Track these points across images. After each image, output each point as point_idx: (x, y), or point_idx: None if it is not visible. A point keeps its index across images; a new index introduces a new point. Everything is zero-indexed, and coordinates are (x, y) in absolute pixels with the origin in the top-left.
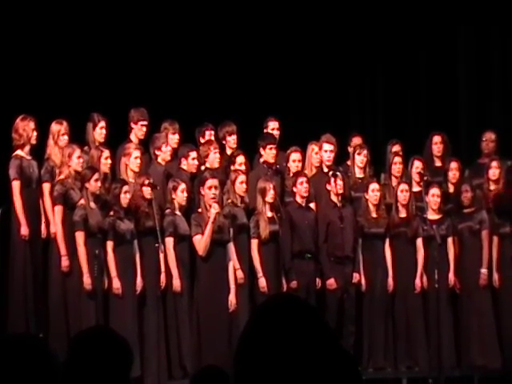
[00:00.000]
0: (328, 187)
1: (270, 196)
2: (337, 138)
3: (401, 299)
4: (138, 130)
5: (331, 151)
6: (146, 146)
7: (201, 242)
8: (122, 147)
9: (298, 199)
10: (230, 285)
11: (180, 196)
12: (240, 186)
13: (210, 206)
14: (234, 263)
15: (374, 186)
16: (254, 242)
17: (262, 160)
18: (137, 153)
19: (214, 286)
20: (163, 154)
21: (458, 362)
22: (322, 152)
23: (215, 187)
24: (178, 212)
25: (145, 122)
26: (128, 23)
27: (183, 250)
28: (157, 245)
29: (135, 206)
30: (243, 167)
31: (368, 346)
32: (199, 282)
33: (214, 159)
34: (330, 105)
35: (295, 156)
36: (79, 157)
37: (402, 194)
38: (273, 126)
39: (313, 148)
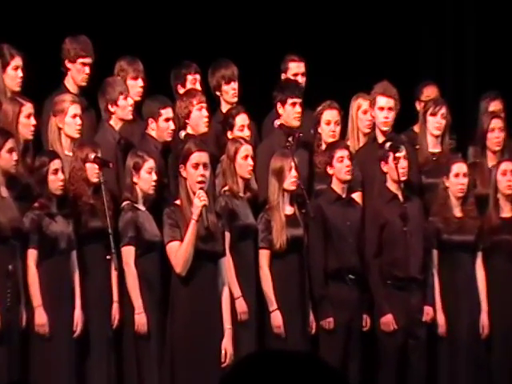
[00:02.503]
0: (384, 167)
1: (291, 181)
2: (398, 90)
3: (502, 347)
4: (76, 73)
5: (390, 109)
6: (93, 98)
7: (179, 254)
8: (52, 100)
9: (336, 186)
10: (224, 323)
11: (146, 179)
12: (243, 164)
13: (194, 195)
14: (230, 288)
15: (458, 166)
16: (264, 255)
17: (277, 123)
18: (75, 109)
19: (198, 322)
20: (119, 112)
21: None
22: (376, 111)
23: (204, 165)
24: (141, 206)
25: (88, 60)
26: None
27: (150, 266)
28: (108, 257)
29: (74, 195)
30: (247, 133)
31: None
32: (175, 315)
33: (200, 120)
34: (387, 39)
35: (331, 116)
36: None
37: (505, 180)
38: (296, 70)
39: (359, 104)
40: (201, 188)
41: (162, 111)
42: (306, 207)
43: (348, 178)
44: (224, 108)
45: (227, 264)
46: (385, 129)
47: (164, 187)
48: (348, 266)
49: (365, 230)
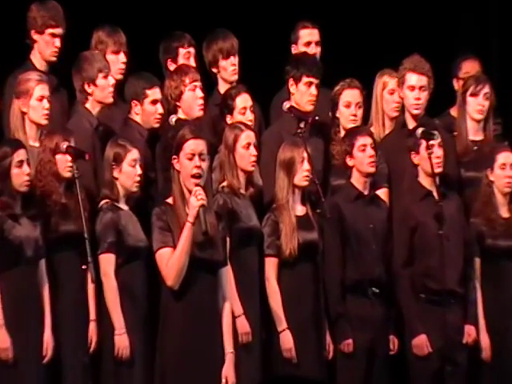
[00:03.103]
0: (415, 159)
1: (303, 175)
2: (432, 65)
3: None
4: (44, 46)
5: (422, 88)
6: (65, 77)
7: (171, 263)
8: (15, 79)
9: (357, 181)
10: (225, 346)
11: (128, 174)
12: (244, 154)
13: (190, 192)
14: (231, 304)
15: (504, 156)
16: (271, 264)
17: (287, 105)
18: (42, 90)
19: (193, 345)
20: (98, 93)
21: None
22: (405, 90)
23: (200, 155)
24: (123, 205)
25: (59, 30)
26: None
27: (135, 278)
28: (84, 267)
29: (42, 193)
30: (250, 117)
31: None
32: (166, 337)
33: (193, 103)
34: (418, 3)
35: (351, 97)
36: None
37: None
38: (308, 38)
39: (385, 83)
40: (197, 184)
41: (148, 92)
42: (321, 206)
43: (371, 170)
44: (222, 88)
45: (229, 276)
46: (416, 112)
47: (151, 183)
48: (371, 277)
49: (392, 233)
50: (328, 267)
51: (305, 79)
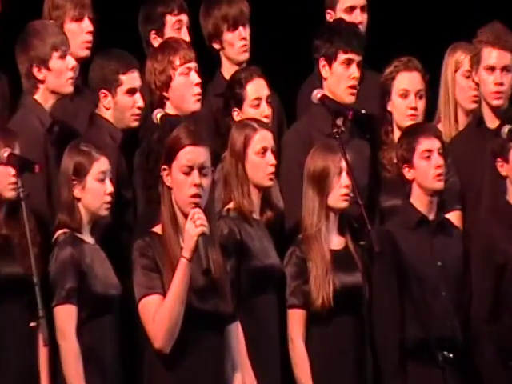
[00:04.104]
0: (501, 168)
1: (341, 193)
2: None
3: None
4: None
5: (506, 70)
6: (6, 58)
7: (159, 318)
8: None
9: (419, 201)
10: None
11: (95, 192)
12: (259, 164)
13: (186, 217)
14: (242, 375)
15: None
16: (297, 318)
17: (318, 95)
18: None
19: None
20: (52, 80)
21: None
22: (481, 72)
23: (200, 169)
24: (88, 236)
25: None
26: None
27: (105, 339)
28: (33, 324)
29: None
30: (266, 112)
31: None
32: None
33: (186, 92)
34: None
35: (409, 82)
36: None
37: None
38: (351, 2)
39: (459, 62)
40: (196, 205)
41: (123, 77)
42: (367, 237)
43: (439, 186)
44: (227, 70)
45: (239, 335)
46: (496, 103)
47: (126, 205)
48: (441, 336)
49: (469, 274)
50: (379, 323)
51: (341, 56)
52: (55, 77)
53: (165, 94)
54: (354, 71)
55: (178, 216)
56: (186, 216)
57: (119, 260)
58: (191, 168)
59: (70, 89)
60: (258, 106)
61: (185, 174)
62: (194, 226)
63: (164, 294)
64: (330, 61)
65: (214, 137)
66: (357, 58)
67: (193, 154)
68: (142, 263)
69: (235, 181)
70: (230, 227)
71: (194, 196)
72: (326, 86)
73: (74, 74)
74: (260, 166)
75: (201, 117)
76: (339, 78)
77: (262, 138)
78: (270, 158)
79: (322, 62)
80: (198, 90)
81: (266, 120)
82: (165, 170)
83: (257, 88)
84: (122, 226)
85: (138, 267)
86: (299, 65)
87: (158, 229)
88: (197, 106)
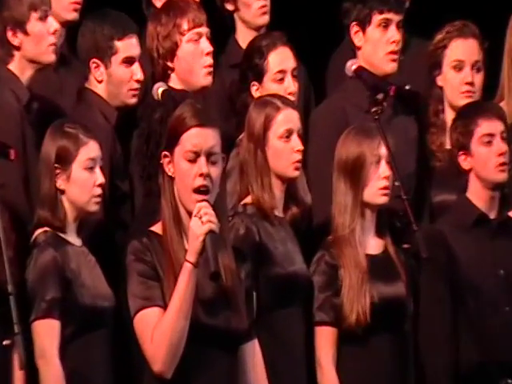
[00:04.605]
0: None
1: (379, 185)
2: None
3: None
4: None
5: None
6: None
7: (159, 335)
8: None
9: (477, 196)
10: None
11: (82, 183)
12: (283, 150)
13: (190, 213)
14: None
15: None
16: (325, 337)
17: (352, 67)
18: None
19: None
20: (31, 47)
21: None
22: None
23: (208, 155)
24: (73, 236)
25: None
26: None
27: (94, 360)
28: (7, 342)
29: None
30: (292, 87)
31: None
32: None
33: (195, 62)
34: None
35: (463, 52)
36: None
37: None
38: None
39: None
40: (203, 198)
41: (119, 44)
42: (412, 239)
43: (502, 177)
44: (243, 37)
45: (257, 355)
46: None
47: (121, 199)
48: (502, 359)
49: None
50: (427, 343)
51: (377, 17)
52: (34, 43)
53: (169, 64)
54: (394, 34)
55: (181, 212)
56: (190, 212)
57: (112, 265)
58: (197, 154)
59: (51, 57)
60: (281, 80)
61: (189, 162)
62: (201, 222)
63: (164, 307)
64: (364, 25)
65: (228, 116)
66: (395, 17)
67: (199, 138)
68: (138, 269)
69: (254, 170)
70: (247, 226)
71: (201, 187)
72: (361, 55)
73: (56, 39)
74: (284, 152)
75: (212, 93)
76: (376, 44)
77: (287, 119)
78: (296, 142)
79: (355, 27)
80: (209, 60)
81: (291, 98)
82: (166, 156)
83: (281, 58)
84: (116, 224)
85: (134, 274)
86: (329, 31)
87: (157, 228)
88: (207, 80)
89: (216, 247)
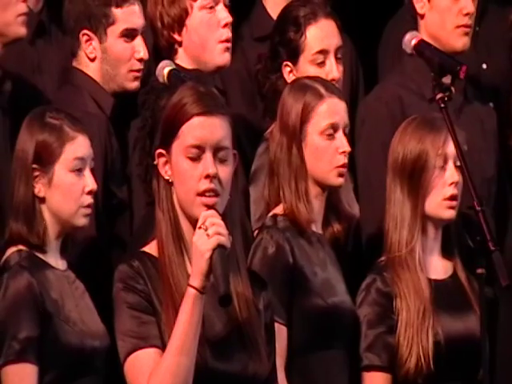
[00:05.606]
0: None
1: (446, 194)
2: None
3: None
4: None
5: None
6: None
7: (156, 381)
8: None
9: None
10: None
11: (67, 189)
12: (325, 150)
13: (194, 224)
14: None
15: None
16: (377, 383)
17: (413, 41)
18: None
19: None
20: (1, 16)
21: None
22: None
23: (215, 150)
24: (56, 257)
25: None
26: None
27: None
28: None
29: None
30: (335, 73)
31: None
32: None
33: (210, 35)
34: None
35: None
36: None
37: None
38: None
39: None
40: (210, 204)
41: (117, 12)
42: (489, 261)
43: None
44: (273, 4)
45: None
46: None
47: (118, 208)
48: None
49: None
50: None
51: None
52: (4, 11)
53: (176, 37)
54: (467, 4)
55: (182, 226)
56: (194, 225)
57: (106, 294)
58: (201, 150)
59: (20, 30)
60: (322, 63)
61: (192, 160)
62: (206, 235)
63: (162, 347)
64: None
65: (253, 103)
66: None
67: (203, 129)
68: (128, 301)
69: (287, 172)
70: (278, 243)
71: (206, 191)
72: (424, 26)
73: (26, 8)
74: (325, 152)
75: (232, 72)
76: (444, 14)
77: (332, 111)
78: (342, 142)
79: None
80: (226, 33)
81: (334, 83)
82: (161, 155)
83: (323, 35)
84: (112, 241)
85: (123, 307)
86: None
87: (151, 247)
88: (224, 59)
89: (226, 266)
